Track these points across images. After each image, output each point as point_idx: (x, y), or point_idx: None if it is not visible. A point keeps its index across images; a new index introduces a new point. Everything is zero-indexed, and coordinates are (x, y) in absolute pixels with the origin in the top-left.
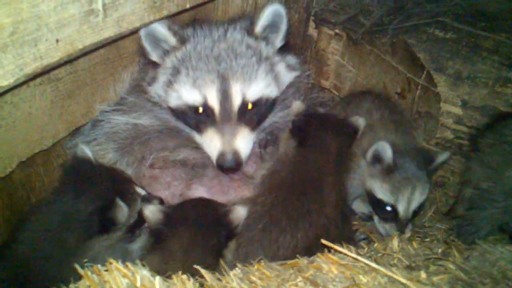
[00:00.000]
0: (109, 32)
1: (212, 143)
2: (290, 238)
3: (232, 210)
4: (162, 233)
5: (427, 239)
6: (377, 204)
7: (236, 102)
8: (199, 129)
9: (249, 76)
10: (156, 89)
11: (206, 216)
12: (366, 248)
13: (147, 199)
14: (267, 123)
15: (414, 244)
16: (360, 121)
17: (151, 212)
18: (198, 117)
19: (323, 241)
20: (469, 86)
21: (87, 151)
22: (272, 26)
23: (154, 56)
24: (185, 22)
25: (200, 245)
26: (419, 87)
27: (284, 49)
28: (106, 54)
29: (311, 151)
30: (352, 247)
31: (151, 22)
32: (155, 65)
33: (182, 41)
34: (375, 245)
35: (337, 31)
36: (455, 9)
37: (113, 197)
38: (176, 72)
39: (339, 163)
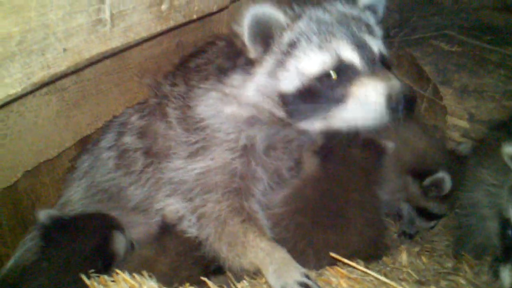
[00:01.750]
0: (116, 42)
1: (369, 91)
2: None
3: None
4: None
5: (436, 254)
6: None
7: (375, 49)
8: (337, 99)
9: (373, 30)
10: (257, 82)
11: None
12: (375, 262)
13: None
14: None
15: (423, 258)
16: (389, 145)
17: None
18: (333, 85)
19: (332, 254)
20: (475, 99)
21: (53, 212)
22: (371, 9)
23: (254, 51)
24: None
25: None
26: (425, 100)
27: None
28: (112, 64)
29: (334, 167)
30: (360, 261)
31: (158, 33)
32: (240, 67)
33: (294, 17)
34: (383, 258)
35: None
36: (461, 22)
37: (110, 231)
38: (291, 48)
39: (367, 180)
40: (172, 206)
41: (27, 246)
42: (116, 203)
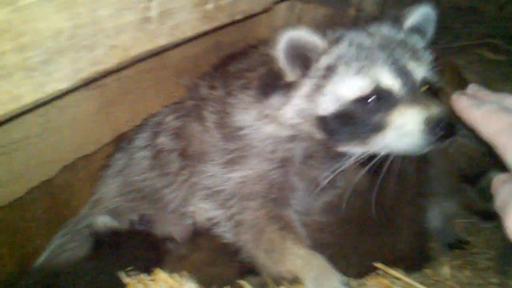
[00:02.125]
0: (162, 40)
1: (407, 119)
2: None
3: None
4: None
5: (479, 267)
6: None
7: (418, 76)
8: (375, 127)
9: (421, 58)
10: (295, 104)
11: None
12: (415, 274)
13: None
14: None
15: (466, 272)
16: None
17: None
18: (370, 111)
19: (376, 264)
20: None
21: (107, 220)
22: (419, 29)
23: (291, 75)
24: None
25: None
26: None
27: None
28: (151, 63)
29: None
30: (401, 271)
31: (202, 32)
32: (279, 89)
33: (333, 41)
34: (426, 271)
35: None
36: (505, 31)
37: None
38: (329, 72)
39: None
40: (207, 213)
41: (60, 241)
42: (152, 204)
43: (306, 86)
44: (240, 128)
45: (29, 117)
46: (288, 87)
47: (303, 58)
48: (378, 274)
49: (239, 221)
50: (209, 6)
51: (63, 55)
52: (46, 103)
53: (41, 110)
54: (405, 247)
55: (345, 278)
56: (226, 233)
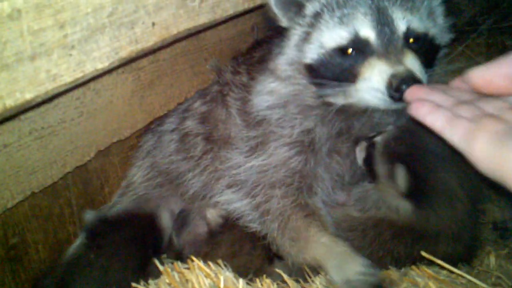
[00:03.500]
0: (203, 18)
1: (374, 73)
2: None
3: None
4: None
5: None
6: None
7: (400, 27)
8: (351, 76)
9: (411, 6)
10: (288, 54)
11: None
12: (459, 264)
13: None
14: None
15: None
16: None
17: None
18: (348, 62)
19: (423, 253)
20: None
21: (97, 213)
22: None
23: (285, 20)
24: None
25: None
26: None
27: None
28: (187, 45)
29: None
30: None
31: (244, 10)
32: (279, 37)
33: None
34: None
35: None
36: None
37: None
38: (315, 20)
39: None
40: (233, 204)
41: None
42: (175, 189)
43: (296, 34)
44: (258, 112)
45: (64, 100)
46: (283, 37)
47: (294, 3)
48: (421, 263)
49: (266, 210)
50: None
51: (103, 32)
52: (83, 84)
53: (77, 93)
54: (448, 248)
55: (368, 262)
56: (252, 222)
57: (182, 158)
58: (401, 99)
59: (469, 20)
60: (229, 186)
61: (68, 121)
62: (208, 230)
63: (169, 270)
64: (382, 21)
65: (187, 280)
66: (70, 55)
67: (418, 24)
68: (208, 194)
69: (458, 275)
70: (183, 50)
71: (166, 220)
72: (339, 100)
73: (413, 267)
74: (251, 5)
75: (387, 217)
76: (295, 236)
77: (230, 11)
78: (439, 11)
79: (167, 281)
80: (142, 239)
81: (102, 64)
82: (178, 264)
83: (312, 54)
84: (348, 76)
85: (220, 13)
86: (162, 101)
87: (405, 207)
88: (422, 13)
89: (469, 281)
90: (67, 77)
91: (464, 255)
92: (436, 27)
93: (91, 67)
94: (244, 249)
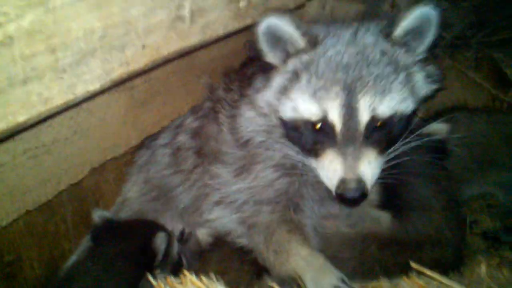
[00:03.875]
0: (194, 39)
1: (331, 168)
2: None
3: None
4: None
5: None
6: None
7: (364, 118)
8: (315, 151)
9: (382, 89)
10: (267, 96)
11: None
12: (450, 274)
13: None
14: (398, 145)
15: (505, 271)
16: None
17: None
18: (314, 136)
19: (412, 264)
20: None
21: (105, 213)
22: (415, 32)
23: (271, 57)
24: None
25: None
26: (505, 104)
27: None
28: (179, 64)
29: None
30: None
31: (234, 30)
32: (266, 70)
33: (313, 43)
34: (461, 269)
35: None
36: None
37: (153, 231)
38: (295, 77)
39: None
40: (222, 220)
41: (85, 246)
42: (168, 204)
43: (278, 79)
44: (243, 132)
45: (58, 119)
46: (269, 73)
47: (282, 46)
48: (412, 274)
49: (253, 224)
50: (242, 4)
51: (94, 55)
52: (76, 105)
53: (71, 113)
54: (434, 254)
55: (342, 275)
56: (240, 237)
57: (173, 172)
58: (343, 202)
59: (459, 34)
60: (217, 203)
61: (61, 140)
62: (199, 248)
63: (162, 285)
64: (349, 110)
65: None
66: (62, 78)
67: (385, 108)
68: (198, 210)
69: (448, 285)
70: (175, 69)
71: (161, 239)
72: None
73: (404, 278)
74: (241, 24)
75: (372, 230)
76: (278, 249)
77: (220, 32)
78: (415, 69)
79: None
80: (138, 255)
81: (93, 86)
82: (171, 279)
83: (287, 111)
84: (312, 149)
85: (210, 34)
86: (155, 119)
87: (384, 217)
88: (395, 92)
89: None
90: (59, 100)
91: (452, 260)
92: (410, 97)
93: (82, 89)
94: (233, 266)
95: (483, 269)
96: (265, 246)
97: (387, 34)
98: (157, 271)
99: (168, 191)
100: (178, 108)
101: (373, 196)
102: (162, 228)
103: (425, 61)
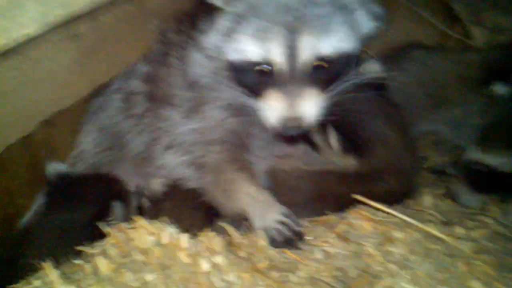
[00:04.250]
0: None
1: (272, 107)
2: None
3: None
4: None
5: None
6: None
7: (305, 58)
8: (258, 92)
9: (323, 28)
10: (213, 39)
11: None
12: (396, 206)
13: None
14: (341, 83)
15: (447, 200)
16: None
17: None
18: (257, 77)
19: (355, 196)
20: (507, 39)
21: (60, 167)
22: None
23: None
24: None
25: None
26: (454, 41)
27: None
28: (131, 9)
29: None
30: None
31: None
32: (211, 12)
33: None
34: (407, 201)
35: None
36: None
37: (108, 200)
38: (239, 19)
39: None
40: (172, 164)
41: (44, 200)
42: (121, 153)
43: (224, 22)
44: (191, 75)
45: (2, 70)
46: (213, 15)
47: None
48: (357, 206)
49: (202, 164)
50: None
51: None
52: (18, 53)
53: (15, 63)
54: (388, 186)
55: (284, 210)
56: (190, 180)
57: (125, 117)
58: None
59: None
60: (168, 147)
61: (7, 92)
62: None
63: (113, 231)
64: (291, 49)
65: (131, 239)
66: None
67: (326, 47)
68: (150, 156)
69: (393, 214)
70: (126, 14)
71: (118, 209)
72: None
73: (350, 211)
74: None
75: (332, 168)
76: (226, 188)
77: None
78: (360, 11)
79: (112, 241)
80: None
81: (29, 29)
82: (122, 225)
83: (232, 53)
84: (255, 90)
85: None
86: (105, 68)
87: (349, 162)
88: (339, 31)
89: (402, 219)
90: None
91: (408, 190)
92: (353, 36)
93: (18, 33)
94: (185, 213)
95: (427, 199)
96: (214, 185)
97: None
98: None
99: (121, 138)
100: (129, 56)
101: (335, 145)
102: (118, 190)
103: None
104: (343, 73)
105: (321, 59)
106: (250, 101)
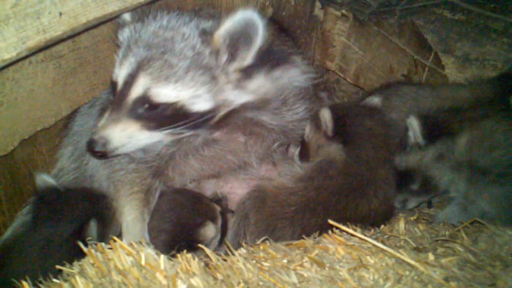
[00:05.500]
0: (113, 6)
1: (99, 122)
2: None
3: (204, 224)
4: None
5: (433, 222)
6: None
7: (135, 93)
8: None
9: (167, 76)
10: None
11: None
12: (372, 230)
13: None
14: (183, 129)
15: (420, 226)
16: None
17: None
18: (111, 97)
19: (330, 221)
20: (477, 68)
21: (49, 179)
22: (243, 38)
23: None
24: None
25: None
26: (426, 69)
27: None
28: (109, 31)
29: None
30: (358, 228)
31: None
32: None
33: (136, 18)
34: (381, 227)
35: (343, 11)
36: None
37: (89, 217)
38: (120, 46)
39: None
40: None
41: (24, 219)
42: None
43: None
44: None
45: None
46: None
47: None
48: (334, 232)
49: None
50: None
51: (8, 23)
52: (0, 76)
53: None
54: (376, 207)
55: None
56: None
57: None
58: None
59: (384, 2)
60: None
61: None
62: None
63: (92, 251)
64: (129, 80)
65: (109, 259)
66: None
67: (161, 94)
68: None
69: (367, 241)
70: (104, 36)
71: (91, 233)
72: None
73: (325, 235)
74: None
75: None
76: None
77: None
78: (231, 76)
79: (91, 261)
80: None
81: (9, 54)
82: (102, 245)
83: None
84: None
85: (131, 1)
86: (86, 88)
87: (337, 147)
88: (179, 83)
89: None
90: None
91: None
92: (210, 98)
93: None
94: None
95: (401, 225)
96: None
97: (204, 32)
98: (88, 238)
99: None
100: (109, 76)
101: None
102: (97, 208)
103: (250, 71)
104: (185, 122)
105: (152, 101)
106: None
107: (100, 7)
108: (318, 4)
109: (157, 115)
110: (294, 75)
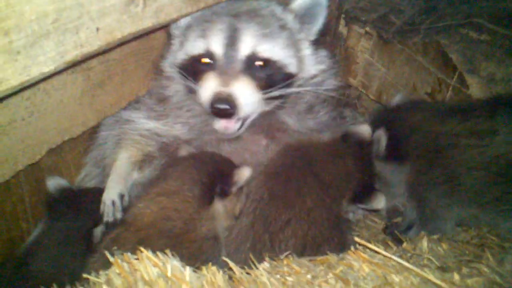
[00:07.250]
0: (147, 22)
1: (207, 85)
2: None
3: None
4: None
5: (456, 238)
6: None
7: (244, 50)
8: (199, 79)
9: (266, 33)
10: (169, 59)
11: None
12: (395, 248)
13: None
14: (277, 94)
15: (444, 245)
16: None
17: None
18: (199, 67)
19: (357, 239)
20: (502, 88)
21: (61, 181)
22: (309, 15)
23: (172, 28)
24: None
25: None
26: (450, 88)
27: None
28: (137, 45)
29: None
30: (381, 246)
31: (187, 14)
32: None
33: None
34: (404, 245)
35: (367, 29)
36: (490, 11)
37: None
38: (187, 31)
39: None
40: None
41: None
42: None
43: (175, 42)
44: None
45: (14, 100)
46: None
47: None
48: (357, 249)
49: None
50: None
51: (48, 38)
52: (32, 86)
53: (27, 93)
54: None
55: (124, 193)
56: None
57: None
58: (217, 115)
59: (408, 20)
60: None
61: (18, 121)
62: None
63: (118, 260)
64: (231, 42)
65: (136, 270)
66: (16, 60)
67: (267, 49)
68: None
69: (391, 258)
70: (133, 50)
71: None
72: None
73: (350, 252)
74: (195, 8)
75: None
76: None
77: (174, 15)
78: (305, 44)
79: (117, 271)
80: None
81: (48, 68)
82: (128, 255)
83: (180, 57)
84: (197, 79)
85: (164, 18)
86: (113, 100)
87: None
88: (278, 42)
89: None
90: (13, 81)
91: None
92: (294, 57)
93: (37, 71)
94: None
95: (424, 243)
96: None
97: (280, 4)
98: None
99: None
100: (136, 88)
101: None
102: None
103: (316, 43)
104: (278, 82)
105: (259, 58)
106: (195, 86)
107: (135, 23)
108: (342, 22)
109: (263, 74)
110: (329, 75)
